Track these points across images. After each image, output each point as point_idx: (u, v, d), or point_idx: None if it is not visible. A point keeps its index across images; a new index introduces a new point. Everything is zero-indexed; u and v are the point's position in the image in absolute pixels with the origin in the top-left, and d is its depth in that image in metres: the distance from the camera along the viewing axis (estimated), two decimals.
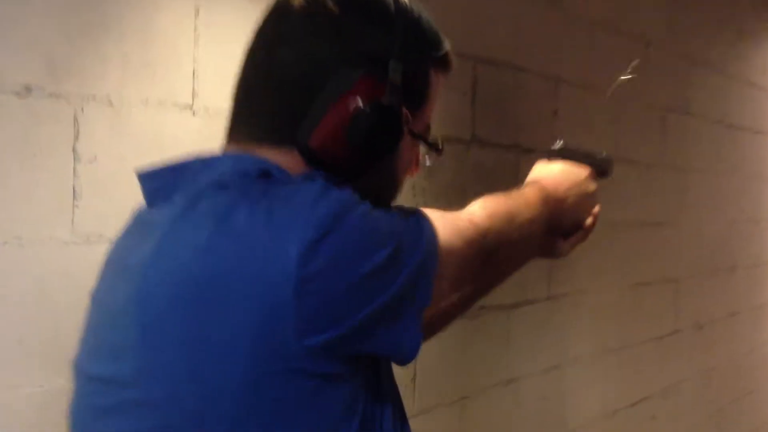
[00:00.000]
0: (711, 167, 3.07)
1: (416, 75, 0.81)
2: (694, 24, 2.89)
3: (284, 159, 0.77)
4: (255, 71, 0.80)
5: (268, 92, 0.78)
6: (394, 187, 0.86)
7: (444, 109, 1.82)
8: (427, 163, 0.89)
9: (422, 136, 0.83)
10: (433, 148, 0.87)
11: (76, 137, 1.16)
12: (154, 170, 0.79)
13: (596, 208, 1.10)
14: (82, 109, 1.16)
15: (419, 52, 0.81)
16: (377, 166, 0.79)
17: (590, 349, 2.37)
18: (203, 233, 0.67)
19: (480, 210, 0.86)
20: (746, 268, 3.43)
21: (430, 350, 1.48)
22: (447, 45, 0.85)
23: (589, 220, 1.08)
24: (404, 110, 0.78)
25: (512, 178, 2.04)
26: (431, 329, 1.14)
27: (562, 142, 1.12)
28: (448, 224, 0.80)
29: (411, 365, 1.78)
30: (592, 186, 1.08)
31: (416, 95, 0.81)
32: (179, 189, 0.74)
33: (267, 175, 0.73)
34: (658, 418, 2.74)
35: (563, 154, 1.10)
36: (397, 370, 1.22)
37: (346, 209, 0.69)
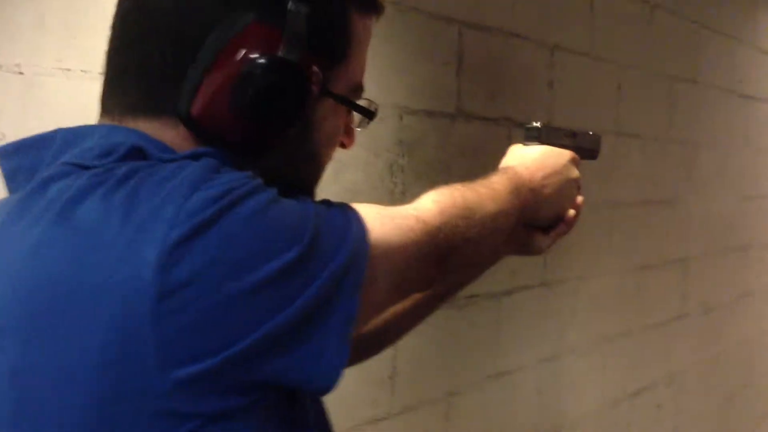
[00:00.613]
0: (721, 140, 2.90)
1: (330, 21, 0.64)
2: None
3: (167, 133, 0.61)
4: (123, 23, 0.63)
5: (139, 49, 0.62)
6: (313, 166, 0.70)
7: (425, 78, 1.67)
8: (359, 128, 0.74)
9: (344, 98, 0.67)
10: (361, 112, 0.71)
11: None
12: (13, 146, 0.63)
13: (579, 198, 0.94)
14: None
15: None
16: (287, 139, 0.63)
17: (590, 337, 2.22)
18: (37, 228, 0.52)
19: (431, 204, 0.70)
20: (760, 248, 3.26)
21: (411, 343, 1.33)
22: None
23: (571, 212, 0.93)
24: (314, 66, 0.63)
25: (502, 154, 1.89)
26: (382, 339, 0.99)
27: (541, 123, 0.97)
28: (387, 221, 0.64)
29: (388, 360, 1.65)
30: (574, 172, 0.93)
31: (333, 47, 0.65)
32: (40, 169, 0.58)
33: (138, 153, 0.58)
34: (664, 407, 2.60)
35: (541, 136, 0.95)
36: (372, 365, 1.09)
37: (235, 198, 0.53)
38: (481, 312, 1.83)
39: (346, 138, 0.72)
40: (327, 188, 1.40)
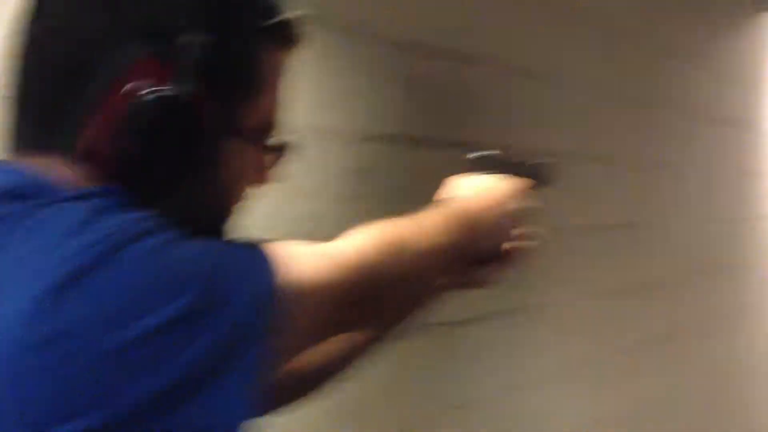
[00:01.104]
0: (686, 163, 2.90)
1: (236, 55, 0.60)
2: (667, 11, 2.70)
3: (60, 170, 0.56)
4: (19, 55, 0.60)
5: (31, 83, 0.58)
6: (222, 205, 0.65)
7: (379, 104, 1.63)
8: (273, 166, 0.70)
9: (251, 135, 0.63)
10: (270, 150, 0.67)
11: None
12: None
13: (519, 230, 0.90)
14: None
15: (235, 22, 0.60)
16: (190, 178, 0.59)
17: (556, 364, 2.18)
18: None
19: (356, 241, 0.67)
20: (725, 270, 3.26)
21: (359, 376, 1.28)
22: (286, 11, 0.64)
23: (508, 246, 0.89)
24: (211, 102, 0.58)
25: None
26: (309, 382, 0.94)
27: (484, 152, 0.93)
28: (306, 260, 0.60)
29: (335, 395, 1.58)
30: (513, 203, 0.89)
31: (239, 82, 0.61)
32: None
33: (17, 195, 0.53)
34: None
35: (485, 165, 0.91)
36: (317, 401, 1.03)
37: (118, 242, 0.49)
38: (438, 342, 1.78)
39: (258, 176, 0.68)
40: (276, 217, 1.37)
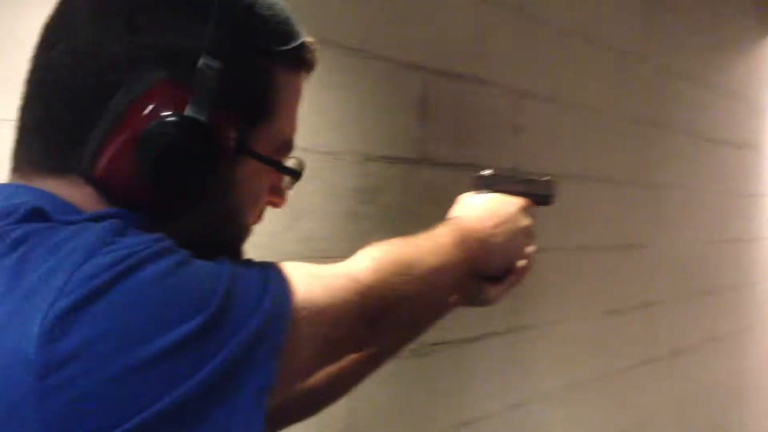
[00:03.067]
0: (689, 183, 2.91)
1: (251, 78, 0.62)
2: (671, 34, 2.73)
3: (74, 192, 0.58)
4: (34, 76, 0.61)
5: (45, 106, 0.59)
6: (236, 228, 0.66)
7: (388, 125, 1.65)
8: (288, 189, 0.72)
9: (266, 158, 0.65)
10: (285, 171, 0.68)
11: None
12: None
13: (531, 247, 0.92)
14: None
15: (252, 47, 0.62)
16: (205, 200, 0.60)
17: (558, 383, 2.19)
18: None
19: (365, 262, 0.67)
20: (726, 291, 3.27)
21: (368, 395, 1.28)
22: (301, 36, 0.66)
23: (521, 262, 0.90)
24: (229, 125, 0.60)
25: None
26: (317, 400, 0.95)
27: (491, 170, 0.95)
28: (314, 281, 0.61)
29: (344, 413, 1.61)
30: (525, 220, 0.91)
31: (254, 105, 0.62)
32: None
33: (39, 214, 0.54)
34: None
35: (492, 184, 0.93)
36: (326, 418, 1.04)
37: (133, 263, 0.50)
38: (445, 360, 1.80)
39: (275, 197, 0.70)
40: (283, 236, 1.38)
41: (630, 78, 2.48)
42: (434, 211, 1.69)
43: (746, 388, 3.60)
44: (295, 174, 0.68)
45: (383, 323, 0.68)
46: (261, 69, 0.63)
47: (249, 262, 0.61)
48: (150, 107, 0.56)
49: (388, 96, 1.62)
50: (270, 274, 0.58)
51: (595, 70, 2.31)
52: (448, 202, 1.72)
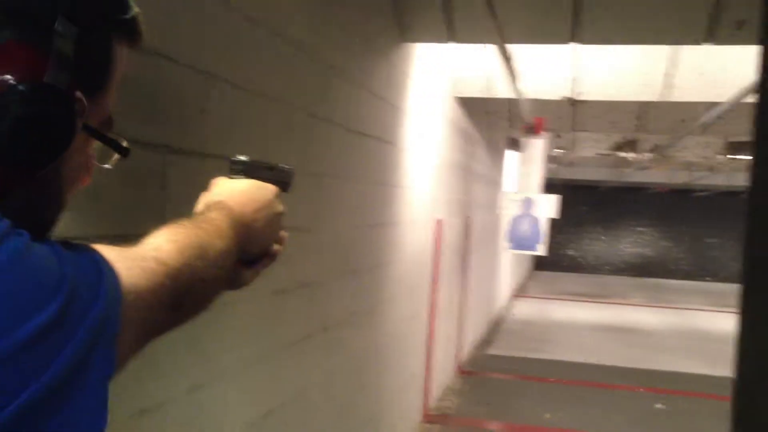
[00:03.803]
0: (342, 173, 3.18)
1: (92, 45, 0.58)
2: (333, 32, 2.95)
3: None
4: None
5: None
6: (57, 207, 0.62)
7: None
8: (107, 165, 0.67)
9: (99, 132, 0.61)
10: (117, 149, 0.65)
11: None
12: None
13: (284, 232, 0.98)
14: None
15: (97, 14, 0.58)
16: (35, 176, 0.54)
17: (233, 362, 2.25)
18: None
19: (167, 245, 0.67)
20: (368, 270, 3.65)
21: None
22: (135, 7, 0.63)
23: (276, 246, 0.95)
24: (78, 95, 0.56)
25: (158, 181, 1.81)
26: None
27: (246, 156, 0.97)
28: (133, 265, 0.60)
29: None
30: (279, 206, 0.97)
31: (93, 74, 0.59)
32: None
33: None
34: (290, 424, 2.74)
35: (247, 169, 0.96)
36: None
37: None
38: None
39: (85, 175, 0.65)
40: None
41: (304, 72, 2.63)
42: (124, 194, 1.62)
43: (382, 354, 4.08)
44: (126, 151, 0.64)
45: (183, 305, 0.68)
46: (104, 38, 0.58)
47: (72, 245, 0.56)
48: (1, 69, 0.50)
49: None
50: (99, 260, 0.55)
51: (277, 62, 2.40)
52: (137, 184, 1.67)
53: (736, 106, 4.88)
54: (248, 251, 0.90)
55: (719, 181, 14.31)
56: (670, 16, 3.61)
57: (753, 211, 1.43)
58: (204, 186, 1.08)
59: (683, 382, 7.36)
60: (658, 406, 6.41)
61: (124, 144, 0.66)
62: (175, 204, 1.82)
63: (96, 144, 0.65)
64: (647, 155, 9.60)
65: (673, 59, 5.13)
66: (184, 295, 0.67)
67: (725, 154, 9.00)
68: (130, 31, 0.63)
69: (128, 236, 1.66)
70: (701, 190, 17.30)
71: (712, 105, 5.60)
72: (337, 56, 3.00)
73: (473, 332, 8.54)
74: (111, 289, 0.54)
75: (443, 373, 6.45)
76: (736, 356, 1.48)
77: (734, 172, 12.55)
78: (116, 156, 0.66)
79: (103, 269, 0.54)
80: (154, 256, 0.64)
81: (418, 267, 4.90)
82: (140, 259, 0.62)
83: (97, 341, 0.52)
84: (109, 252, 0.58)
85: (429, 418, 5.62)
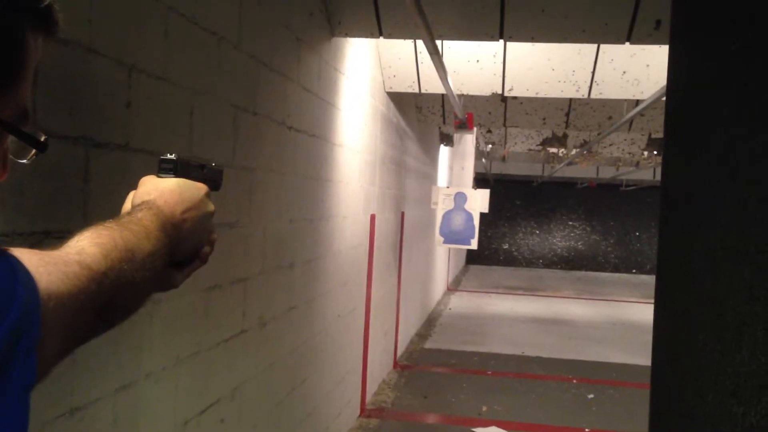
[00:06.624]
0: (274, 168, 3.17)
1: (6, 36, 0.56)
2: (261, 25, 2.93)
3: None
4: None
5: None
6: None
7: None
8: (24, 160, 0.65)
9: (12, 126, 0.59)
10: (32, 143, 0.63)
11: None
12: None
13: (214, 234, 0.96)
14: None
15: (5, 1, 0.56)
16: None
17: (165, 360, 2.22)
18: None
19: (91, 248, 0.66)
20: (302, 264, 3.65)
21: None
22: None
23: (206, 248, 0.94)
24: None
25: (80, 174, 1.77)
26: None
27: (174, 155, 0.96)
28: (53, 270, 0.58)
29: None
30: (210, 206, 0.94)
31: (8, 66, 0.57)
32: None
33: None
34: (226, 420, 2.72)
35: (176, 168, 0.94)
36: None
37: None
38: None
39: (1, 170, 0.63)
40: None
41: (228, 63, 2.60)
42: (44, 188, 1.58)
43: (319, 349, 4.08)
44: (43, 146, 0.62)
45: (110, 310, 0.67)
46: (17, 26, 0.56)
47: None
48: None
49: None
50: (13, 263, 0.53)
51: (200, 53, 2.38)
52: (58, 178, 1.63)
53: (656, 103, 5.07)
54: (178, 252, 0.87)
55: (645, 176, 14.81)
56: (594, 16, 3.73)
57: (664, 205, 1.50)
58: (129, 180, 1.06)
59: (613, 372, 7.59)
60: (591, 396, 6.61)
61: (42, 138, 0.63)
62: (98, 198, 1.78)
63: (11, 139, 0.63)
64: (575, 151, 9.87)
65: (600, 58, 5.29)
66: (111, 299, 0.66)
67: (649, 150, 9.34)
68: (45, 20, 0.61)
69: (51, 232, 1.64)
70: (628, 185, 17.86)
71: (636, 102, 5.81)
72: (265, 50, 2.99)
73: (409, 326, 8.61)
74: (27, 296, 0.52)
75: (380, 367, 6.49)
76: (653, 345, 1.55)
77: (659, 167, 12.99)
78: (33, 151, 0.64)
79: (18, 275, 0.52)
80: (78, 260, 0.62)
81: (352, 262, 4.91)
82: (62, 264, 0.60)
83: (14, 349, 0.50)
84: (29, 257, 0.56)
85: (366, 412, 5.65)
